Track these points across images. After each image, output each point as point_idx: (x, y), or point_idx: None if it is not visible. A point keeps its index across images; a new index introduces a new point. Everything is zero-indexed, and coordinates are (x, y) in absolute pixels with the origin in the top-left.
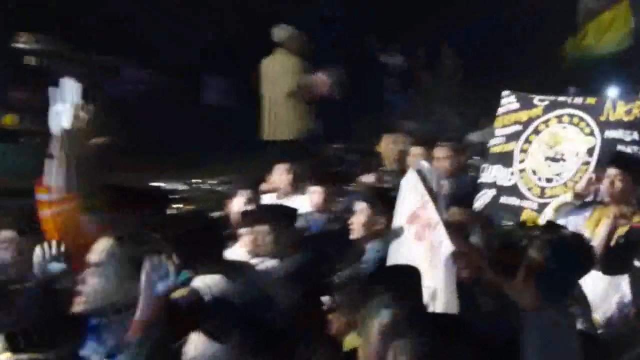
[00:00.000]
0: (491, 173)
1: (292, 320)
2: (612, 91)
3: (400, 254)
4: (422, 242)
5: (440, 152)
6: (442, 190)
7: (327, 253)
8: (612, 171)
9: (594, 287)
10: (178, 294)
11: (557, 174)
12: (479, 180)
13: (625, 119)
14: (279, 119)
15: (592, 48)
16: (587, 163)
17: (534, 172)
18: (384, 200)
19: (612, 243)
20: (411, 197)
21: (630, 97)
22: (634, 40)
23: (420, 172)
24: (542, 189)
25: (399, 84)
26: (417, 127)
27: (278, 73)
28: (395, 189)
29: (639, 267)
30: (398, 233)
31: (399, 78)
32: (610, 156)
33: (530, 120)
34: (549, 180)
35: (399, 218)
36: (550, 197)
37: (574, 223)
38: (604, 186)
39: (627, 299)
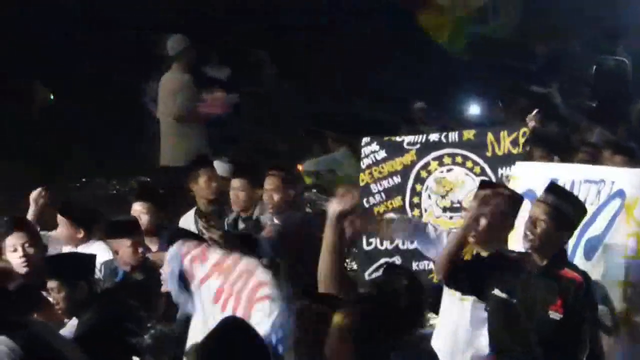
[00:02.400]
0: None
1: None
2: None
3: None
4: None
5: (269, 183)
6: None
7: (131, 308)
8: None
9: (445, 341)
10: None
11: None
12: (367, 248)
13: (514, 151)
14: (170, 143)
15: None
16: None
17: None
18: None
19: (466, 257)
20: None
21: (514, 126)
22: None
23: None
24: None
25: None
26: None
27: (167, 93)
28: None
29: (500, 297)
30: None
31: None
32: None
33: (406, 169)
34: None
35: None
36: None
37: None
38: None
39: (484, 352)
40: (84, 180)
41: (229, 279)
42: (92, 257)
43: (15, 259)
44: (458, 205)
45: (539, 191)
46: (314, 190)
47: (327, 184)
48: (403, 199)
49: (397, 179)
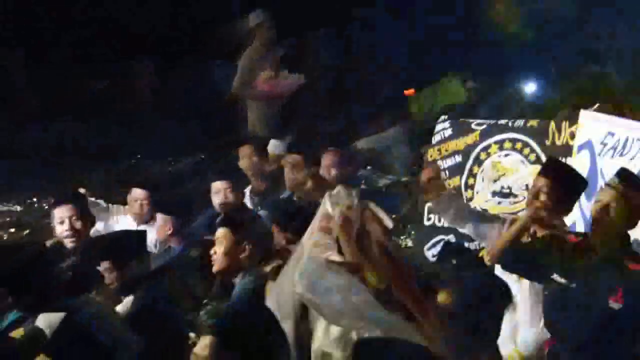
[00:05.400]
0: None
1: None
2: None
3: None
4: None
5: (327, 159)
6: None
7: (186, 285)
8: (541, 181)
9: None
10: (15, 334)
11: (511, 213)
12: (428, 223)
13: (571, 143)
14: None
15: None
16: None
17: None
18: (248, 224)
19: (524, 239)
20: None
21: (575, 116)
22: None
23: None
24: None
25: None
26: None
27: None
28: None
29: (558, 282)
30: None
31: None
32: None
33: (468, 148)
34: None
35: None
36: None
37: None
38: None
39: (546, 335)
40: (138, 156)
41: None
42: (142, 233)
43: (62, 232)
44: (507, 190)
45: (595, 142)
46: (369, 168)
47: (381, 162)
48: (460, 179)
49: (458, 158)
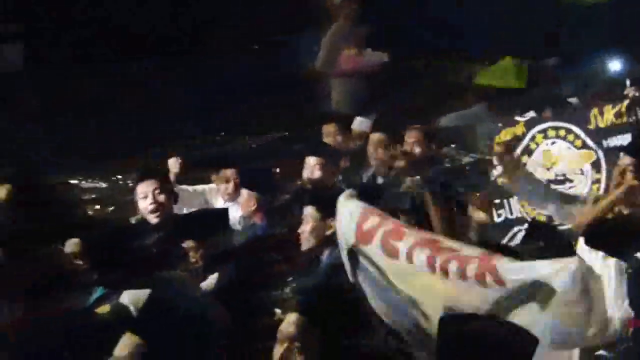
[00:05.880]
0: (512, 207)
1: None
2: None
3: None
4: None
5: (411, 136)
6: None
7: (271, 261)
8: (625, 160)
9: None
10: (101, 310)
11: None
12: (498, 220)
13: (617, 122)
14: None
15: None
16: (598, 181)
17: None
18: (332, 201)
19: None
20: None
21: (617, 98)
22: None
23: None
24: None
25: None
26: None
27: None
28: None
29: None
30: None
31: None
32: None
33: (517, 138)
34: None
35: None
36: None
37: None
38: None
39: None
40: (222, 134)
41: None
42: (224, 212)
43: (146, 206)
44: (562, 177)
45: None
46: (453, 145)
47: (465, 140)
48: None
49: None
